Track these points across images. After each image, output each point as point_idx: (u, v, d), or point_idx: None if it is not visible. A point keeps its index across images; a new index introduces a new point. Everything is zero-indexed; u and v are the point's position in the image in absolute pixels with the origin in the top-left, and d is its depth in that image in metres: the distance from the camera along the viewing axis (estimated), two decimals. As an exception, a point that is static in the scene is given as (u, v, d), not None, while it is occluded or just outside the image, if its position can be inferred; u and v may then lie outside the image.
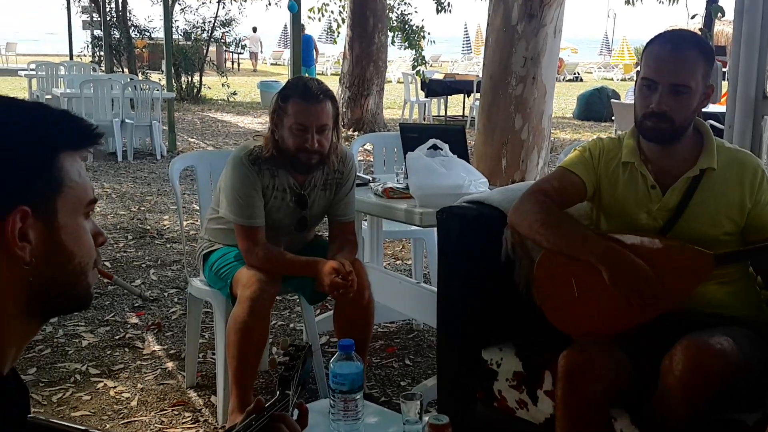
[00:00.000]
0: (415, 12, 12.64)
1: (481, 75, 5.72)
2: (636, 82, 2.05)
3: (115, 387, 3.02)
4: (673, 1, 12.23)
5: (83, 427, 1.18)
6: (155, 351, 3.39)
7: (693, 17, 7.59)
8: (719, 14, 4.80)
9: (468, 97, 13.19)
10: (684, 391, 1.71)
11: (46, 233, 0.91)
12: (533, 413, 2.09)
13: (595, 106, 13.96)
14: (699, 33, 5.21)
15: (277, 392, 1.31)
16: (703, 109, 2.04)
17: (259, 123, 12.58)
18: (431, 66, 14.18)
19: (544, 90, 4.85)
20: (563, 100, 17.16)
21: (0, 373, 0.89)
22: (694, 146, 2.04)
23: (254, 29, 27.06)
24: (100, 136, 0.98)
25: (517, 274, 2.25)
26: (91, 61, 15.36)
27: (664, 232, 2.02)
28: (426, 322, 3.49)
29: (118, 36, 15.62)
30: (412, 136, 3.18)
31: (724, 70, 5.54)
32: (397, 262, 5.00)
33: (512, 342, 2.19)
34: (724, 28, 14.74)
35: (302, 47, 6.47)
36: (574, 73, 26.68)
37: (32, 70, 12.20)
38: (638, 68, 2.08)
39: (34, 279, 0.90)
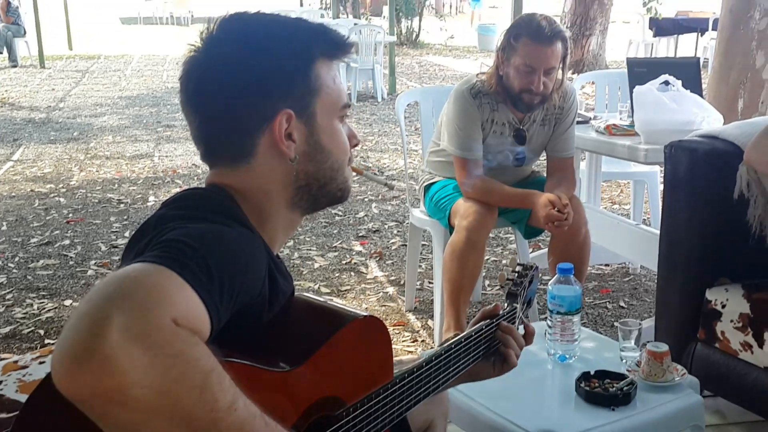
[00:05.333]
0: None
1: (718, 10, 5.30)
2: None
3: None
4: None
5: (341, 303, 1.34)
6: (377, 276, 3.62)
7: None
8: None
9: (701, 35, 12.22)
10: None
11: (307, 133, 1.04)
12: (758, 356, 2.00)
13: None
14: None
15: (505, 305, 1.38)
16: None
17: (476, 67, 12.56)
18: (660, 3, 13.20)
19: (793, 25, 4.41)
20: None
21: (273, 253, 1.04)
22: None
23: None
24: (352, 46, 1.09)
25: (750, 213, 2.13)
26: (319, 8, 16.29)
27: None
28: (644, 264, 3.39)
29: (343, -16, 16.35)
30: (640, 71, 3.06)
31: None
32: (614, 206, 4.86)
33: (740, 283, 2.10)
34: None
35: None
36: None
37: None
38: None
39: (298, 173, 1.05)
